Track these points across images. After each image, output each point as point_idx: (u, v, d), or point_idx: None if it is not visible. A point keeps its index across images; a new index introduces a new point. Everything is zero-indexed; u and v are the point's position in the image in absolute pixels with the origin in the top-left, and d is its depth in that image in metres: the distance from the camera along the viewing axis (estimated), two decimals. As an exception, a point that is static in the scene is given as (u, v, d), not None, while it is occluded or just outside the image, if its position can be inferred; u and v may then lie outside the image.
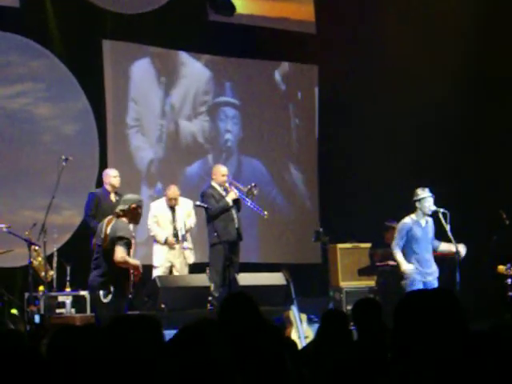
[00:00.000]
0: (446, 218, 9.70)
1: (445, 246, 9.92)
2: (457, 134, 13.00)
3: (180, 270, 10.87)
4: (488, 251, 10.77)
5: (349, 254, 12.28)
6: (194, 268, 11.10)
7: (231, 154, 13.81)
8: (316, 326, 8.36)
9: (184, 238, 10.88)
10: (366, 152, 13.44)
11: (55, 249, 10.75)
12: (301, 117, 14.54)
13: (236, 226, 10.73)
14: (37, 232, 9.93)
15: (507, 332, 3.65)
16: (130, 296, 8.18)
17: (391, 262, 11.01)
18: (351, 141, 13.59)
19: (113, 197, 10.52)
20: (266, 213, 11.08)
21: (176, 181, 12.11)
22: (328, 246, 12.21)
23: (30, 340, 8.46)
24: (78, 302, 10.50)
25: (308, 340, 9.21)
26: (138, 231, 11.09)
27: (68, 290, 10.67)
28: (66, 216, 11.87)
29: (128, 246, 7.88)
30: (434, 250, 9.98)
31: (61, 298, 10.50)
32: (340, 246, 12.30)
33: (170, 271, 10.91)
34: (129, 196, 8.34)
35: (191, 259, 11.00)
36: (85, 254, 9.77)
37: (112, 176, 10.65)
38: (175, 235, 10.89)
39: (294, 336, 9.47)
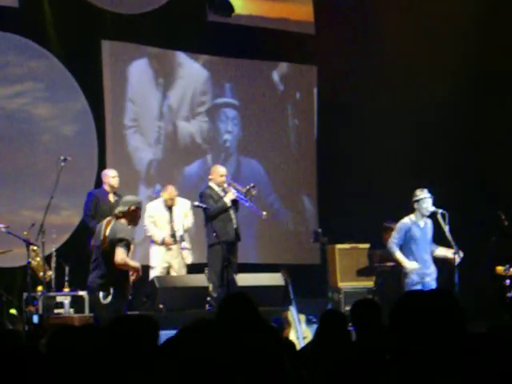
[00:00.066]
0: (444, 219, 9.70)
1: (441, 251, 9.92)
2: (457, 134, 13.00)
3: (178, 271, 10.86)
4: (487, 252, 10.76)
5: (347, 255, 12.27)
6: (192, 268, 11.09)
7: (230, 154, 13.82)
8: (314, 326, 8.36)
9: (182, 239, 10.87)
10: (365, 153, 13.44)
11: (54, 249, 10.73)
12: (300, 117, 14.54)
13: (234, 226, 10.73)
14: (35, 232, 9.93)
15: (506, 333, 3.65)
16: (129, 297, 8.18)
17: (390, 263, 11.02)
18: (350, 141, 13.59)
19: (111, 197, 10.53)
20: (264, 213, 11.08)
21: (175, 181, 12.10)
22: (327, 246, 12.21)
23: (28, 340, 8.46)
24: (76, 303, 10.49)
25: (306, 340, 9.21)
26: (136, 232, 11.08)
27: (66, 290, 10.66)
28: (64, 216, 11.86)
29: (128, 247, 7.87)
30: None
31: (59, 298, 10.49)
32: (339, 246, 12.29)
33: (168, 272, 10.90)
34: (128, 197, 8.34)
35: (189, 259, 11.00)
36: (83, 255, 9.77)
37: (111, 176, 10.65)
38: (173, 235, 10.88)
39: (292, 336, 9.48)
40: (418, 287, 9.43)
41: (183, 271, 10.92)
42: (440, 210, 9.74)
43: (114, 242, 7.81)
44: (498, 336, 3.56)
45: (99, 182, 11.04)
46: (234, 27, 13.40)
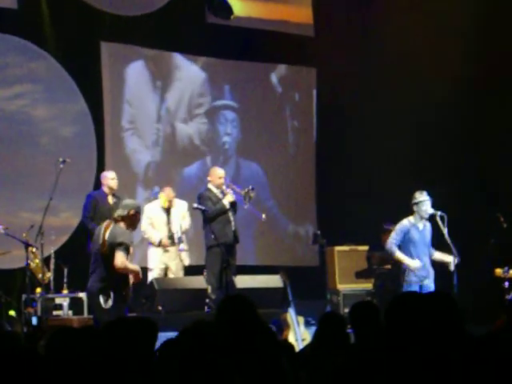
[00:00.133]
0: (443, 221, 9.70)
1: (438, 256, 9.92)
2: (457, 134, 13.00)
3: (175, 273, 10.85)
4: (485, 254, 10.76)
5: (346, 257, 12.27)
6: (190, 270, 11.08)
7: (229, 156, 13.82)
8: (313, 328, 8.35)
9: (180, 240, 10.87)
10: (364, 154, 13.45)
11: (52, 251, 10.74)
12: (299, 119, 14.55)
13: (233, 228, 10.72)
14: (34, 234, 9.92)
15: (505, 335, 3.65)
16: (130, 301, 8.17)
17: (388, 265, 11.01)
18: (349, 143, 13.61)
19: (110, 199, 10.53)
20: (263, 215, 11.07)
21: (173, 183, 12.10)
22: (325, 248, 12.21)
23: (27, 342, 8.47)
24: (75, 304, 10.49)
25: (305, 343, 9.20)
26: (134, 234, 11.08)
27: (65, 291, 10.67)
28: (63, 218, 11.87)
29: (127, 251, 7.87)
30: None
31: (58, 300, 10.50)
32: (337, 248, 12.29)
33: (165, 273, 10.88)
34: (127, 201, 8.34)
35: (187, 261, 10.99)
36: (82, 256, 9.77)
37: (110, 178, 10.65)
38: (170, 237, 10.87)
39: (291, 338, 9.47)
40: (417, 289, 9.43)
41: (181, 273, 10.91)
42: (439, 213, 9.73)
43: (113, 246, 7.79)
44: (497, 338, 3.56)
45: (98, 184, 11.04)
46: (233, 29, 13.41)
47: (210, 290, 10.43)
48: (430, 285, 9.72)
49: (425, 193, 9.81)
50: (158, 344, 4.06)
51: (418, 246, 9.76)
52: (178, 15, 12.97)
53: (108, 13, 12.51)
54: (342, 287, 11.99)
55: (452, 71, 12.74)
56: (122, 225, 7.93)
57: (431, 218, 9.84)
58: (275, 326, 9.51)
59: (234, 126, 13.89)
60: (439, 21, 13.09)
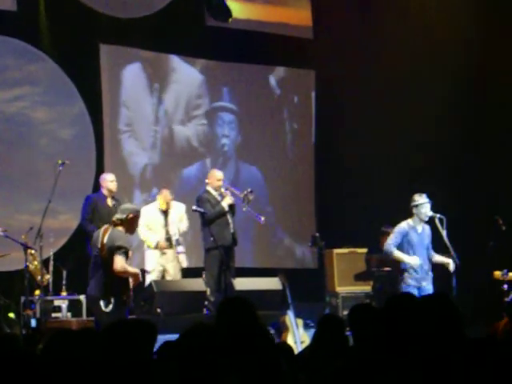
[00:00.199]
0: (442, 224, 9.70)
1: (438, 258, 9.92)
2: (457, 134, 13.00)
3: (173, 275, 10.84)
4: (484, 257, 10.77)
5: (345, 259, 12.27)
6: (188, 272, 11.08)
7: (228, 158, 13.82)
8: (312, 331, 8.35)
9: (178, 243, 10.86)
10: (364, 156, 13.45)
11: (51, 253, 10.74)
12: (298, 121, 14.55)
13: (231, 231, 10.70)
14: (33, 236, 9.92)
15: (507, 337, 3.66)
16: (132, 304, 8.16)
17: (387, 268, 11.01)
18: (348, 145, 13.60)
19: (109, 201, 10.52)
20: (263, 218, 11.04)
21: (172, 185, 12.10)
22: (324, 250, 12.21)
23: (26, 344, 8.46)
24: (74, 306, 10.49)
25: (304, 345, 9.19)
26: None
27: (64, 294, 10.67)
28: (62, 220, 11.86)
29: (126, 254, 7.86)
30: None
31: (57, 302, 10.50)
32: (336, 250, 12.29)
33: (163, 276, 10.87)
34: (126, 205, 8.34)
35: (184, 263, 10.98)
36: (81, 259, 9.78)
37: (109, 180, 10.64)
38: (168, 239, 10.86)
39: (290, 341, 9.46)
40: (415, 292, 9.43)
41: (178, 275, 10.90)
42: (438, 215, 9.74)
43: (112, 250, 7.78)
44: (496, 339, 3.56)
45: (97, 186, 11.04)
46: (232, 31, 13.41)
47: (208, 293, 10.42)
48: (428, 287, 9.72)
49: (424, 195, 9.81)
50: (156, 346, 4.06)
51: (416, 249, 9.76)
52: (177, 17, 12.98)
53: (107, 15, 12.51)
54: (341, 289, 11.99)
55: (452, 71, 12.76)
56: (120, 228, 7.92)
57: (430, 221, 9.85)
58: (274, 328, 9.52)
59: (231, 128, 13.89)
60: (439, 21, 13.09)
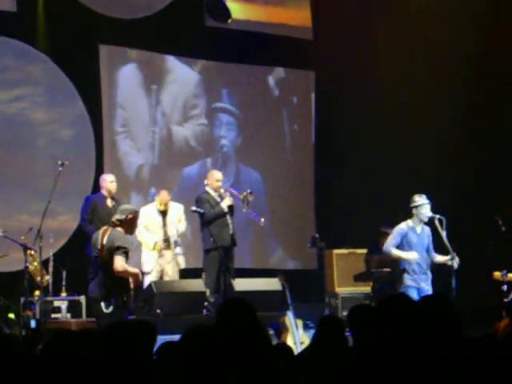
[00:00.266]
0: (442, 225, 9.70)
1: (440, 259, 9.92)
2: (457, 133, 13.00)
3: (172, 276, 10.83)
4: (484, 257, 10.76)
5: (345, 260, 12.27)
6: (186, 273, 11.07)
7: (228, 159, 13.82)
8: (312, 331, 8.35)
9: (176, 243, 10.85)
10: (364, 156, 13.45)
11: (51, 253, 10.74)
12: (298, 122, 14.55)
13: (230, 231, 10.69)
14: (33, 237, 9.92)
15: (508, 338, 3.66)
16: (132, 305, 8.16)
17: (387, 269, 11.01)
18: (348, 146, 13.60)
19: (109, 202, 10.51)
20: (262, 220, 11.02)
21: (170, 185, 12.09)
22: (324, 251, 12.20)
23: (25, 345, 8.46)
24: (73, 307, 10.49)
25: (304, 346, 9.19)
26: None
27: (64, 294, 10.67)
28: (61, 221, 11.86)
29: (126, 255, 7.86)
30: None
31: (56, 303, 10.50)
32: (336, 251, 12.29)
33: (161, 276, 10.86)
34: (126, 206, 8.35)
35: (182, 264, 10.97)
36: (81, 259, 9.77)
37: (109, 181, 10.64)
38: (166, 240, 10.85)
39: (289, 342, 9.46)
40: (414, 292, 9.43)
41: (176, 276, 10.89)
42: (437, 216, 9.74)
43: (112, 251, 7.78)
44: (496, 340, 3.56)
45: (97, 187, 11.03)
46: (231, 32, 13.42)
47: (208, 293, 10.42)
48: (427, 288, 9.72)
49: (424, 196, 9.81)
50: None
51: (415, 250, 9.76)
52: (176, 18, 12.97)
53: (107, 16, 12.51)
54: (341, 290, 11.99)
55: (452, 71, 12.76)
56: (119, 229, 7.93)
57: (430, 222, 9.85)
58: (274, 329, 9.51)
59: (229, 129, 13.88)
60: (439, 21, 13.10)
